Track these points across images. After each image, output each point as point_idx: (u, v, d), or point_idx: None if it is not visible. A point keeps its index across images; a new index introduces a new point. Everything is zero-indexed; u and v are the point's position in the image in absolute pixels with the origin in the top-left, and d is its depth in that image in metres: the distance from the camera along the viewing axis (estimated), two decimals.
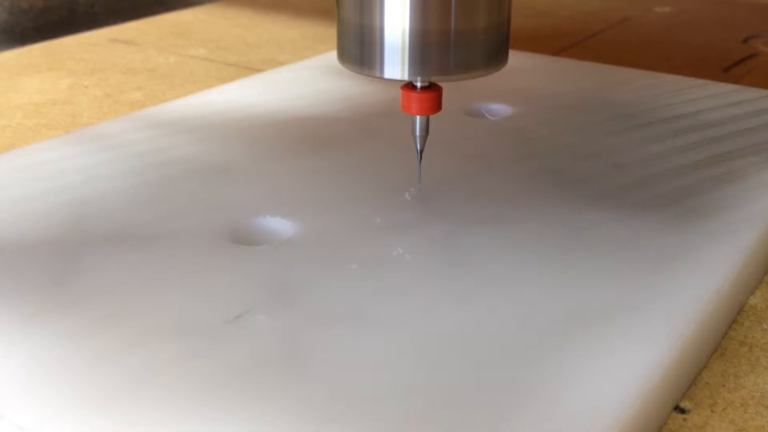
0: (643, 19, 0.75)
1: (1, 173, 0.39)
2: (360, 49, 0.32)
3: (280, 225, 0.34)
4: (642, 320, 0.28)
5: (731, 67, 0.61)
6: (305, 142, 0.42)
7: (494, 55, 0.33)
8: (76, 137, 0.43)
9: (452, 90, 0.37)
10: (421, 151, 0.36)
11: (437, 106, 0.33)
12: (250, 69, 0.61)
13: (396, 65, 0.32)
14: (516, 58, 0.45)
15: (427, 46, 0.31)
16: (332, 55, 0.57)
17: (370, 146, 0.42)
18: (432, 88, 0.33)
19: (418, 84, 0.33)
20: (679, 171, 0.39)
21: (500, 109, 0.47)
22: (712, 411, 0.27)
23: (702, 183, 0.38)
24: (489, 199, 0.36)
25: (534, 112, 0.47)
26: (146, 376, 0.25)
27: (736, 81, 0.57)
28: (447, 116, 0.38)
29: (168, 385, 0.25)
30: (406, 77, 0.32)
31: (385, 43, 0.31)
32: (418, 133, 0.35)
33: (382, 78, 0.32)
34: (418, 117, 0.35)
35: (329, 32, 0.71)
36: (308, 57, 0.61)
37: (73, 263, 0.31)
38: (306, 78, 0.52)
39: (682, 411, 0.27)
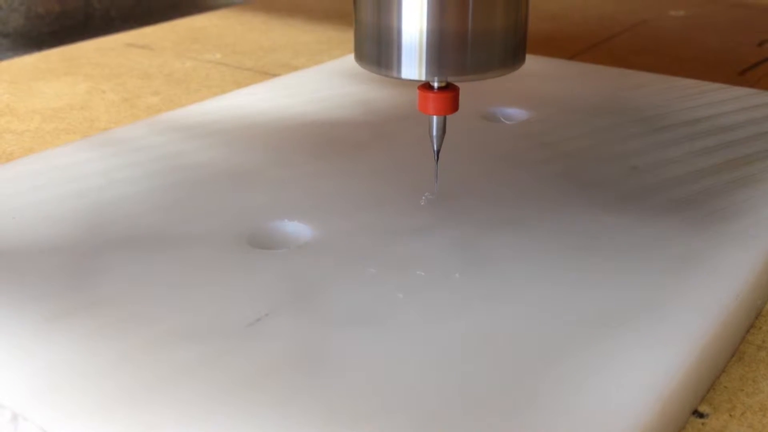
0: (658, 22, 0.75)
1: (20, 177, 0.39)
2: (377, 49, 0.32)
3: (298, 228, 0.34)
4: (661, 324, 0.28)
5: (747, 70, 0.61)
6: (322, 146, 0.43)
7: (511, 55, 0.33)
8: (95, 142, 0.43)
9: (468, 94, 0.37)
10: (438, 152, 0.36)
11: (454, 107, 0.34)
12: (265, 73, 0.61)
13: (413, 65, 0.32)
14: (531, 62, 0.45)
15: (445, 46, 0.31)
16: (347, 59, 0.57)
17: (387, 150, 0.42)
18: (449, 88, 0.33)
19: (435, 84, 0.33)
20: (696, 174, 0.39)
21: (516, 113, 0.47)
22: (730, 415, 0.27)
23: (720, 186, 0.38)
24: (506, 203, 0.36)
25: (550, 116, 0.47)
26: (167, 378, 0.25)
27: (751, 85, 0.57)
28: (463, 121, 0.38)
29: (189, 388, 0.25)
30: (423, 77, 0.32)
31: (403, 44, 0.31)
32: (434, 133, 0.35)
33: (399, 78, 0.32)
34: (434, 117, 0.35)
35: (344, 36, 0.71)
36: (323, 61, 0.61)
37: (92, 266, 0.31)
38: (322, 82, 0.53)
39: (701, 415, 0.27)
